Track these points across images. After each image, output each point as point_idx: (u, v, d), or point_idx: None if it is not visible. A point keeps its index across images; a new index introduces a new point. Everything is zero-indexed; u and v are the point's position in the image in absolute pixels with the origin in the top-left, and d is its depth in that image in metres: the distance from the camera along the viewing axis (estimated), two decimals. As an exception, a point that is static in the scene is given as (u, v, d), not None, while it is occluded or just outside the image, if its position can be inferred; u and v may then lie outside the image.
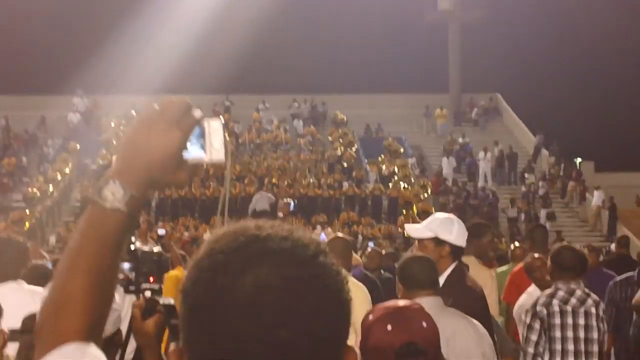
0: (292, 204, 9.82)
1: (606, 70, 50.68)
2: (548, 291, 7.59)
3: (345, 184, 39.12)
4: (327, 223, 35.38)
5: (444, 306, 5.24)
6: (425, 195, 38.76)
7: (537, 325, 7.53)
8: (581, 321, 7.42)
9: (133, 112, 45.57)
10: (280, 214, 9.71)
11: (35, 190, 37.64)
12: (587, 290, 7.56)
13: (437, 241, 6.15)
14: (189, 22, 46.42)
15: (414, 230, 6.34)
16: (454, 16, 49.47)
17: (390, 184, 39.18)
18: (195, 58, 45.20)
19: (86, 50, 45.31)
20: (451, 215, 6.45)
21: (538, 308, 7.53)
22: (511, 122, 48.88)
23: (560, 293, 7.47)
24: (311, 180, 39.49)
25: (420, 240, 6.19)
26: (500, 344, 6.48)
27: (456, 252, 6.19)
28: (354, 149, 43.36)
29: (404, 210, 36.99)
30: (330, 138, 45.06)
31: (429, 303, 5.17)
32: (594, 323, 7.38)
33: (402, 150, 43.18)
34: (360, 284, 7.38)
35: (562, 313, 7.44)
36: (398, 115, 47.70)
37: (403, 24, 49.76)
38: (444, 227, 6.19)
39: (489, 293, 8.19)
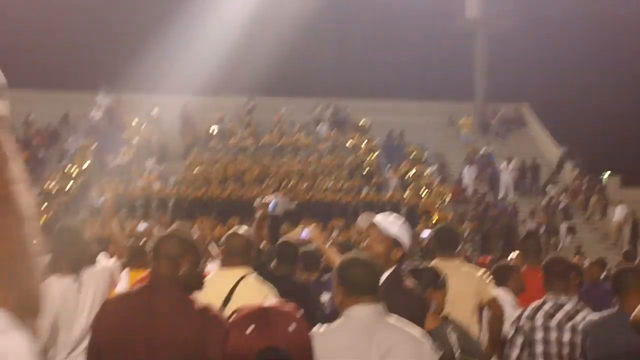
0: (272, 203, 9.50)
1: (637, 82, 50.10)
2: (534, 304, 7.30)
3: (365, 190, 38.82)
4: (344, 227, 35.14)
5: (383, 315, 4.94)
6: (444, 203, 38.42)
7: (518, 341, 7.23)
8: (566, 337, 7.07)
9: (155, 111, 45.57)
10: (258, 214, 9.34)
11: (52, 185, 37.64)
12: (579, 305, 7.22)
13: (395, 243, 5.94)
14: (215, 24, 46.34)
15: (384, 226, 6.05)
16: (481, 24, 49.04)
17: (409, 191, 38.85)
18: (220, 60, 45.04)
19: (111, 48, 45.37)
20: (403, 221, 6.22)
21: (521, 322, 7.23)
22: (536, 133, 48.45)
23: (547, 307, 7.16)
24: (330, 185, 39.24)
25: (378, 236, 5.95)
26: (467, 348, 6.23)
27: (403, 258, 5.95)
28: (375, 155, 43.08)
29: (424, 217, 36.68)
30: (351, 143, 44.78)
31: (368, 311, 4.90)
32: (580, 340, 7.03)
33: (424, 157, 42.83)
34: (265, 285, 6.90)
35: (546, 328, 7.11)
36: (421, 123, 47.36)
37: (430, 31, 49.38)
38: (404, 231, 6.02)
39: (468, 294, 7.99)
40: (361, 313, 4.88)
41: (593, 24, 51.51)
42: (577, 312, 7.11)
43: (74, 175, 39.09)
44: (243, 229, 7.13)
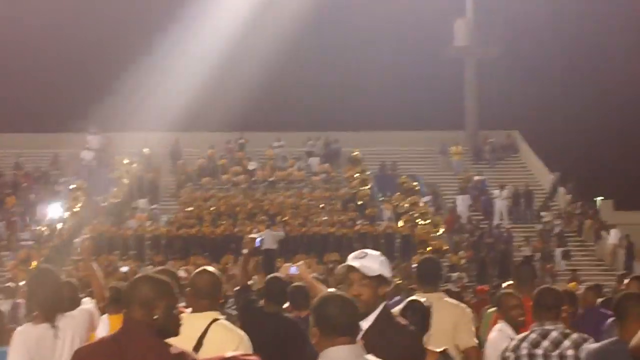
0: (258, 239, 9.29)
1: (626, 108, 50.11)
2: (521, 335, 7.12)
3: (359, 222, 38.62)
4: (338, 261, 34.88)
5: (362, 357, 4.67)
6: (438, 233, 38.22)
7: None
8: None
9: (145, 149, 45.44)
10: (245, 250, 9.15)
11: (43, 228, 37.43)
12: (566, 331, 7.02)
13: (381, 280, 5.61)
14: (202, 59, 46.27)
15: (365, 267, 5.61)
16: (470, 52, 49.09)
17: (403, 222, 38.65)
18: (209, 95, 44.97)
19: (99, 89, 45.23)
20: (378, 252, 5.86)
21: (507, 354, 7.05)
22: (528, 160, 48.33)
23: (532, 335, 6.96)
24: (324, 218, 39.05)
25: (362, 279, 5.58)
26: None
27: (390, 292, 5.74)
28: (368, 186, 42.93)
29: (419, 249, 36.45)
30: (344, 176, 44.66)
31: (346, 352, 4.66)
32: None
33: (417, 188, 42.68)
34: (237, 330, 6.54)
35: (531, 357, 6.91)
36: (413, 153, 47.32)
37: (418, 61, 49.40)
38: (386, 264, 5.69)
39: (461, 327, 7.77)
40: (338, 355, 4.60)
41: (582, 50, 51.60)
42: (563, 338, 6.91)
43: (65, 217, 38.82)
44: (210, 268, 6.80)
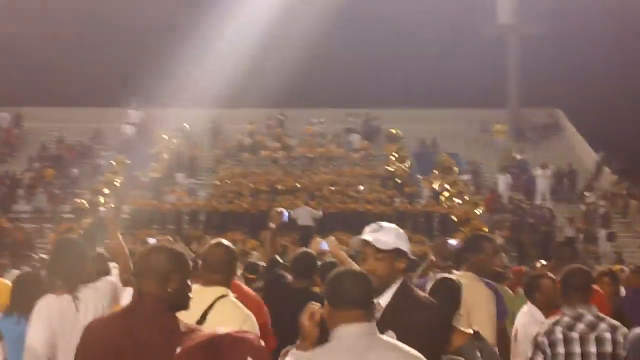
0: (285, 213, 9.10)
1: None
2: (552, 318, 6.83)
3: (397, 200, 38.36)
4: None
5: (375, 335, 4.47)
6: (478, 212, 37.86)
7: (539, 359, 6.76)
8: (592, 349, 6.58)
9: (186, 125, 45.46)
10: (272, 224, 8.94)
11: (83, 201, 37.55)
12: (600, 314, 6.75)
13: (398, 253, 5.33)
14: (244, 36, 46.21)
15: (378, 241, 5.31)
16: (513, 30, 48.64)
17: (442, 200, 38.38)
18: (250, 72, 44.88)
19: (141, 63, 45.25)
20: (394, 225, 5.54)
21: (539, 339, 6.76)
22: (572, 139, 47.83)
23: (565, 319, 6.68)
24: (363, 195, 38.85)
25: (377, 253, 5.29)
26: None
27: (408, 266, 5.45)
28: (407, 164, 42.65)
29: (460, 227, 36.14)
30: (383, 153, 44.39)
31: (359, 330, 4.43)
32: (610, 350, 6.54)
33: (456, 166, 42.32)
34: (243, 309, 6.21)
35: (567, 341, 6.61)
36: (454, 131, 46.93)
37: (460, 38, 48.92)
38: (402, 237, 5.38)
39: (483, 310, 7.38)
40: (351, 332, 4.41)
41: (627, 27, 50.82)
42: (599, 321, 6.63)
43: (106, 190, 38.92)
44: (225, 242, 6.53)
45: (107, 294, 7.06)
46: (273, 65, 45.42)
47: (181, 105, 45.25)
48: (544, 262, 12.97)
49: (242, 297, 7.03)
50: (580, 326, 6.62)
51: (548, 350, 6.66)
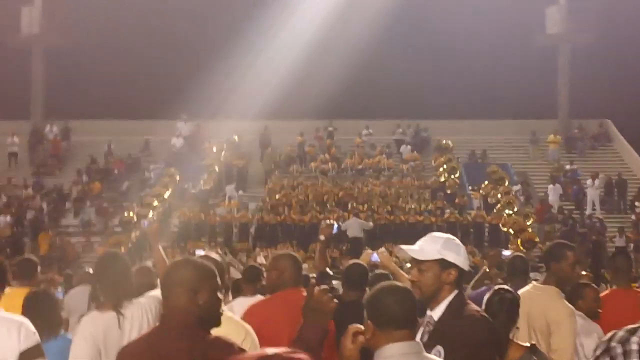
0: (335, 225, 9.05)
1: None
2: (629, 327, 6.66)
3: (447, 211, 38.21)
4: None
5: (421, 354, 4.35)
6: (529, 223, 37.62)
7: None
8: None
9: (235, 137, 45.56)
10: (322, 237, 8.89)
11: (131, 214, 37.69)
12: None
13: (444, 264, 5.13)
14: (292, 47, 46.32)
15: (415, 251, 5.18)
16: (563, 40, 48.37)
17: (493, 211, 38.16)
18: (299, 83, 44.93)
19: (190, 76, 45.53)
20: (451, 235, 5.34)
21: (612, 344, 6.51)
22: (621, 149, 47.41)
23: None
24: (412, 207, 38.73)
25: (421, 263, 5.15)
26: None
27: (461, 278, 5.20)
28: (457, 175, 42.49)
29: (516, 238, 35.93)
30: (433, 164, 44.25)
31: (403, 350, 4.32)
32: None
33: (506, 177, 42.09)
34: (242, 323, 6.25)
35: None
36: (504, 141, 46.75)
37: (511, 48, 48.70)
38: (451, 247, 5.17)
39: (559, 332, 7.24)
40: (394, 352, 4.26)
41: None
42: None
43: (154, 204, 39.08)
44: (214, 255, 6.47)
45: (152, 310, 6.79)
46: (322, 76, 45.39)
47: (230, 117, 45.37)
48: (584, 272, 12.92)
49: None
50: None
51: (619, 358, 6.50)
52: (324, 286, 4.36)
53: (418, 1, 49.45)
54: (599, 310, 7.97)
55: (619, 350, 6.43)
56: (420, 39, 50.95)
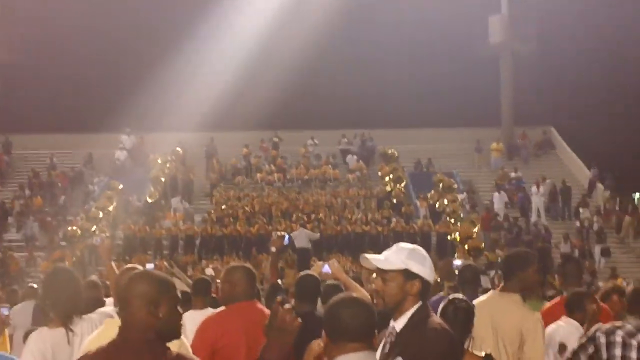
0: (286, 237, 8.96)
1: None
2: (615, 322, 6.73)
3: (394, 220, 38.25)
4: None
5: None
6: (475, 231, 37.79)
7: (589, 349, 6.60)
8: None
9: (179, 149, 45.31)
10: (273, 248, 8.79)
11: (75, 228, 37.31)
12: None
13: (407, 275, 5.05)
14: (236, 57, 46.20)
15: (379, 260, 5.11)
16: (506, 48, 48.66)
17: (439, 220, 38.28)
18: (243, 94, 44.93)
19: (132, 88, 45.19)
20: (417, 246, 5.27)
21: (597, 334, 6.62)
22: (565, 156, 47.84)
23: (628, 327, 6.57)
24: (360, 217, 38.73)
25: (384, 273, 5.07)
26: None
27: (425, 289, 5.12)
28: (403, 184, 42.56)
29: (462, 247, 36.07)
30: (379, 173, 44.29)
31: (357, 359, 4.25)
32: None
33: (452, 185, 42.23)
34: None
35: (625, 345, 6.49)
36: (449, 150, 46.93)
37: (454, 57, 48.94)
38: (416, 258, 5.09)
39: (532, 340, 7.19)
40: None
41: (617, 45, 50.93)
42: None
43: (98, 217, 38.70)
44: (149, 266, 6.46)
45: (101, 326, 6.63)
46: (267, 87, 45.36)
47: (174, 129, 45.15)
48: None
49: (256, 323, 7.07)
50: None
51: (603, 349, 6.54)
52: (287, 305, 4.28)
53: (361, 11, 49.53)
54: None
55: (603, 340, 6.54)
56: (364, 48, 51.12)
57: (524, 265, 7.34)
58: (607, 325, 6.60)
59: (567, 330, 8.00)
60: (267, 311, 7.38)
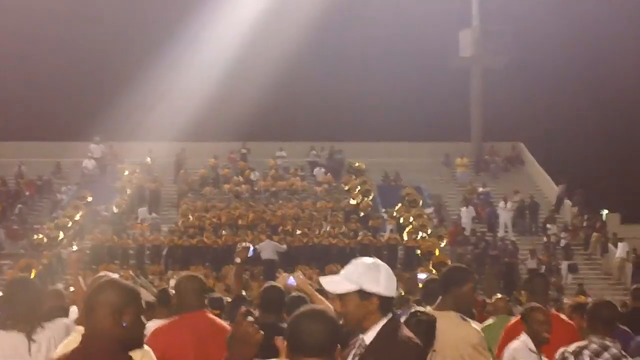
0: (251, 248, 8.92)
1: (634, 120, 49.75)
2: (579, 343, 6.86)
3: (361, 233, 38.21)
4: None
5: None
6: (442, 245, 37.83)
7: None
8: None
9: (148, 159, 45.13)
10: (238, 259, 8.74)
11: (41, 237, 37.07)
12: (622, 351, 6.80)
13: (362, 294, 5.07)
14: (207, 69, 46.17)
15: (332, 283, 5.13)
16: (476, 63, 48.80)
17: (406, 234, 38.26)
18: (213, 105, 44.82)
19: (103, 98, 45.15)
20: (376, 260, 5.27)
21: (566, 355, 6.75)
22: (533, 171, 48.01)
23: (593, 346, 6.75)
24: (328, 229, 38.67)
25: (340, 296, 5.09)
26: None
27: (386, 304, 5.12)
28: (370, 197, 42.54)
29: (422, 261, 36.06)
30: (347, 187, 44.25)
31: None
32: None
33: (420, 199, 42.27)
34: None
35: None
36: (417, 164, 46.95)
37: (424, 70, 49.11)
38: (369, 275, 5.09)
39: (476, 354, 7.13)
40: None
41: (588, 61, 51.26)
42: (622, 356, 6.70)
43: (66, 226, 38.48)
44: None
45: (59, 336, 6.71)
46: (236, 98, 45.37)
47: (144, 139, 45.01)
48: (499, 295, 12.93)
49: (204, 333, 7.20)
50: (606, 355, 6.68)
51: None
52: (250, 317, 4.25)
53: (331, 24, 49.58)
54: (546, 335, 7.90)
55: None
56: (333, 61, 51.19)
57: (460, 281, 7.16)
58: (573, 347, 6.68)
59: (519, 346, 8.00)
60: (217, 320, 7.48)
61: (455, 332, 6.96)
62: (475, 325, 7.31)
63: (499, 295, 12.81)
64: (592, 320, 7.02)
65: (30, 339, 6.56)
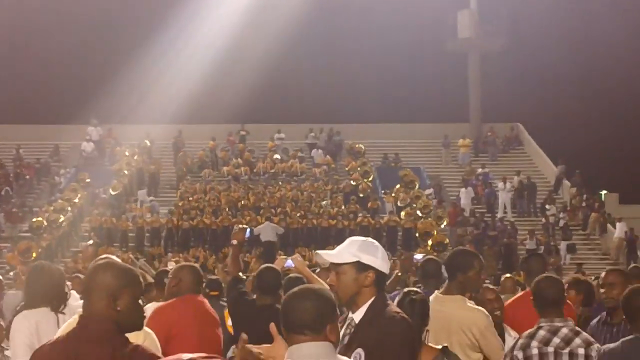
0: (248, 230, 8.90)
1: (632, 100, 49.65)
2: (528, 332, 6.68)
3: (360, 215, 38.23)
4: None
5: (334, 355, 4.25)
6: (442, 226, 37.87)
7: None
8: None
9: (147, 141, 45.10)
10: (234, 241, 8.73)
11: (41, 219, 37.08)
12: (577, 328, 6.62)
13: (360, 267, 5.10)
14: (205, 51, 46.06)
15: (329, 255, 5.18)
16: (474, 44, 48.72)
17: (404, 215, 38.25)
18: (211, 87, 44.73)
19: (101, 80, 44.96)
20: (370, 239, 5.33)
21: (515, 352, 6.61)
22: (532, 152, 47.98)
23: (541, 333, 6.52)
24: (326, 210, 38.68)
25: (337, 267, 5.12)
26: None
27: (380, 280, 5.17)
28: (370, 179, 42.54)
29: (426, 241, 36.12)
30: (346, 168, 44.26)
31: (312, 350, 4.21)
32: None
33: (419, 180, 42.26)
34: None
35: (542, 356, 6.48)
36: (416, 145, 46.97)
37: (422, 53, 49.01)
38: (367, 249, 5.14)
39: (484, 337, 7.13)
40: (305, 352, 4.16)
41: (587, 42, 51.13)
42: (574, 335, 6.50)
43: (65, 209, 38.47)
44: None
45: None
46: (235, 80, 45.22)
47: (142, 121, 44.98)
48: (508, 275, 12.91)
49: (204, 314, 7.62)
50: (556, 340, 6.47)
51: None
52: (256, 348, 4.27)
53: (329, 5, 49.50)
54: (497, 313, 7.89)
55: (520, 356, 6.54)
56: (332, 42, 51.05)
57: (465, 267, 7.17)
58: (522, 340, 6.58)
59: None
60: (207, 304, 7.94)
61: (463, 315, 7.01)
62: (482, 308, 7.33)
63: (508, 275, 12.80)
64: (539, 301, 6.70)
65: (57, 313, 7.00)
